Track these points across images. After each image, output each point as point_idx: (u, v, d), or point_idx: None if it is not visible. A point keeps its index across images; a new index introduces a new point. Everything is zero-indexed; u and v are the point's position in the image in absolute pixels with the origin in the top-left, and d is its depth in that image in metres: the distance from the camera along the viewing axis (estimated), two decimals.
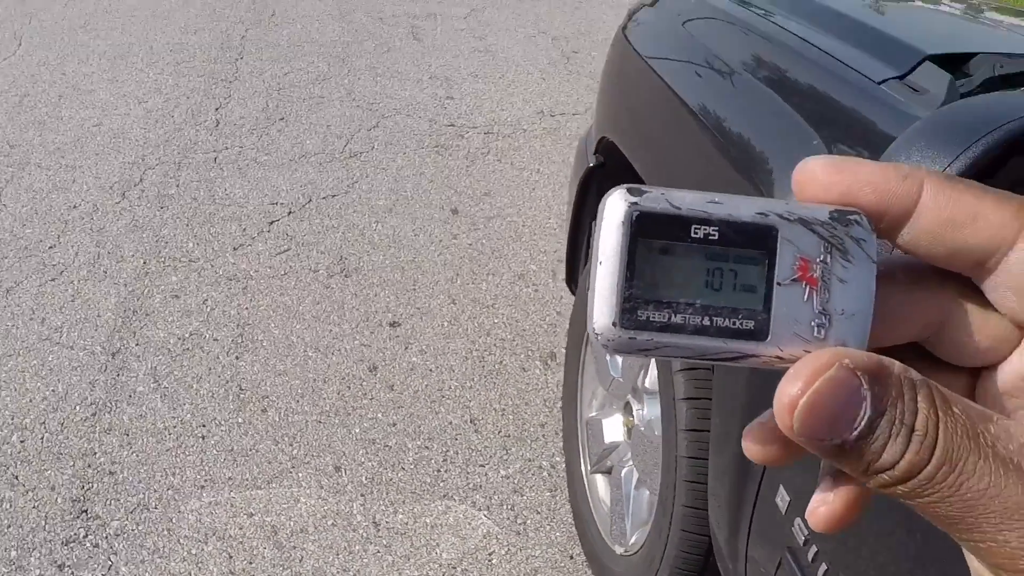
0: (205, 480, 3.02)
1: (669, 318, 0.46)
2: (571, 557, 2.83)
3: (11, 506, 2.90)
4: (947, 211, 0.44)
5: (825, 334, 0.46)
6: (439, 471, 3.09)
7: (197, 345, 3.54)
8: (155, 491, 2.97)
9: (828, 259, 0.46)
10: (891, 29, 1.92)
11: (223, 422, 3.23)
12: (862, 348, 0.45)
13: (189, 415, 3.24)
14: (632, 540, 2.48)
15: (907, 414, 0.41)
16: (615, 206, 0.46)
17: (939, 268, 0.47)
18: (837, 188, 0.46)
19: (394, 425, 3.25)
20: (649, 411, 2.38)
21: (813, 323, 0.46)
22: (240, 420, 3.24)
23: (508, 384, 3.42)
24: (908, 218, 0.45)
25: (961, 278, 0.47)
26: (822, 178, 0.46)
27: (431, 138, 5.19)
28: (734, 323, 0.46)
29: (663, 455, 2.20)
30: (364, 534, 2.87)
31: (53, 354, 3.46)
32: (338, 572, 2.76)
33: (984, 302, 0.47)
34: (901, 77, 1.61)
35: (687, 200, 0.46)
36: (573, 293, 3.05)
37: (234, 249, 4.11)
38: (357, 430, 3.22)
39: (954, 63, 1.58)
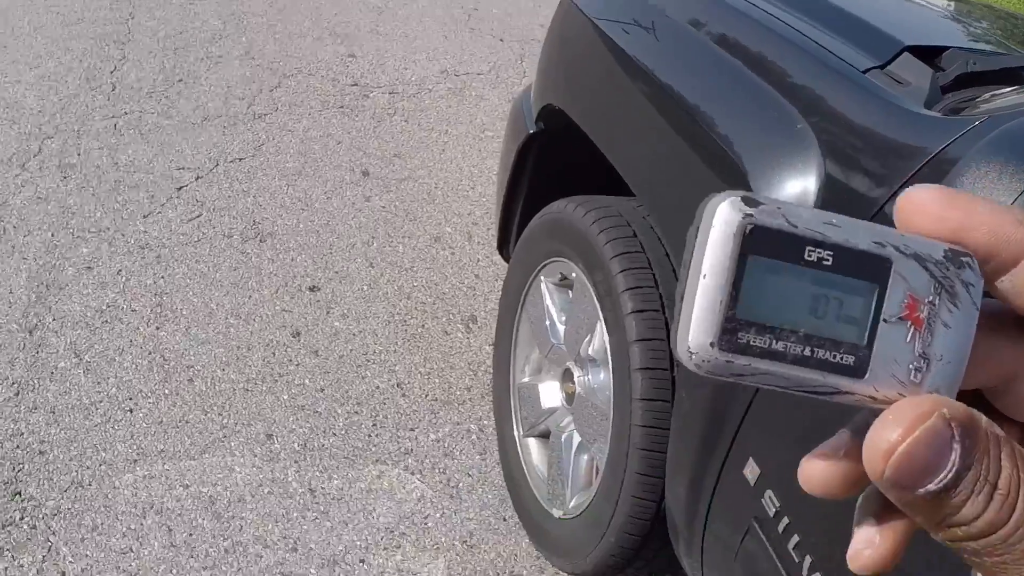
0: (137, 454, 3.01)
1: (770, 344, 0.44)
2: (504, 519, 2.90)
3: None
4: None
5: (921, 379, 0.45)
6: (370, 436, 3.13)
7: (116, 317, 3.51)
8: (88, 468, 2.95)
9: (936, 301, 0.45)
10: (866, 16, 1.95)
11: (150, 394, 3.22)
12: (952, 396, 0.45)
13: (115, 389, 3.22)
14: (572, 504, 2.55)
15: (991, 471, 0.41)
16: (727, 216, 0.43)
17: (1021, 319, 0.46)
18: (949, 224, 0.45)
19: (322, 391, 3.27)
20: (594, 378, 2.45)
21: (911, 366, 0.45)
22: (167, 391, 3.23)
23: (432, 348, 3.46)
24: (1014, 266, 0.44)
25: None
26: (934, 211, 0.45)
27: (335, 98, 5.17)
28: (834, 356, 0.44)
29: (614, 423, 2.26)
30: (301, 501, 2.90)
31: None
32: (279, 540, 2.79)
33: None
34: (882, 67, 1.66)
35: (804, 218, 0.44)
36: (506, 261, 3.09)
37: (144, 217, 4.06)
38: (285, 396, 3.24)
39: (929, 55, 1.64)
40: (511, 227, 2.96)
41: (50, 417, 3.10)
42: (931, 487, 0.41)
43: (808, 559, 1.53)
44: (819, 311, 0.44)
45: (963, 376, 0.45)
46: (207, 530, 2.80)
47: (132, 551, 2.73)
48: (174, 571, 2.70)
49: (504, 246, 3.08)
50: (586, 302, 2.41)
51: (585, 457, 2.55)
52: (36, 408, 3.13)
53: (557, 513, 2.60)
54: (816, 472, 0.46)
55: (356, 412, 3.20)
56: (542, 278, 2.68)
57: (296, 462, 3.02)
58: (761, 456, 1.64)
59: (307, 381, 3.31)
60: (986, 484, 0.41)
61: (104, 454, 3.00)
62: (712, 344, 0.43)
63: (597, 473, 2.49)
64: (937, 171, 1.38)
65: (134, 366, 3.31)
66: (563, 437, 2.61)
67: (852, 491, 0.46)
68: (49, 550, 2.72)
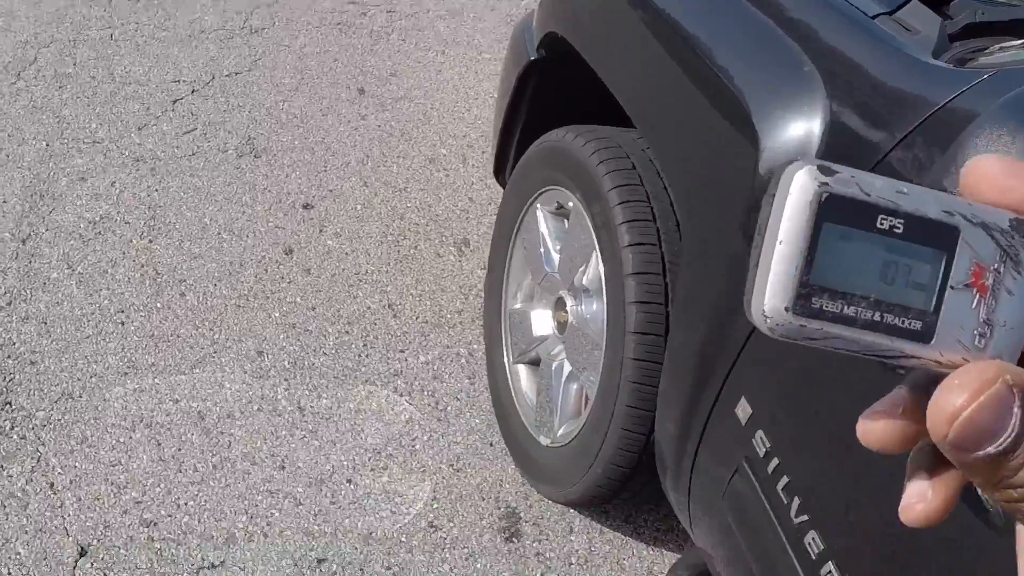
0: (128, 367, 3.02)
1: (842, 309, 0.45)
2: (491, 444, 2.92)
3: None
4: None
5: (985, 344, 0.47)
6: (360, 356, 3.14)
7: (109, 229, 3.50)
8: (78, 380, 2.97)
9: (1001, 268, 0.46)
10: None
11: (142, 307, 3.22)
12: (1013, 362, 0.46)
13: (107, 301, 3.22)
14: (560, 432, 2.57)
15: None
16: (803, 184, 0.45)
17: None
18: (1014, 195, 0.46)
19: (313, 309, 3.28)
20: (586, 308, 2.45)
21: (976, 331, 0.47)
22: (159, 305, 3.23)
23: (424, 270, 3.46)
24: None
25: None
26: (998, 181, 0.47)
27: (333, 15, 5.10)
28: (903, 321, 0.46)
29: (606, 355, 2.27)
30: (290, 419, 2.92)
31: None
32: (267, 457, 2.81)
33: None
34: (891, 12, 1.64)
35: (876, 187, 0.46)
36: (502, 186, 3.08)
37: (139, 129, 4.03)
38: (277, 314, 3.25)
39: (937, 3, 1.62)
40: (508, 153, 2.95)
41: (42, 328, 3.11)
42: (991, 450, 0.42)
43: (796, 501, 1.55)
44: (889, 277, 0.46)
45: (1023, 343, 0.47)
46: (196, 445, 2.82)
47: (121, 464, 2.75)
48: (162, 485, 2.72)
49: (500, 172, 3.07)
50: (582, 232, 2.41)
51: (575, 386, 2.57)
52: (28, 318, 3.13)
53: (545, 441, 2.62)
54: (876, 429, 0.47)
55: (347, 332, 3.21)
56: (538, 206, 2.67)
57: (286, 380, 3.03)
58: (754, 396, 1.65)
59: (299, 299, 3.31)
60: None
61: (95, 366, 3.01)
62: (787, 308, 0.45)
63: (586, 403, 2.50)
64: (942, 123, 1.37)
65: (126, 279, 3.31)
66: (553, 366, 2.62)
67: (909, 447, 0.48)
68: (38, 460, 2.74)
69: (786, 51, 1.71)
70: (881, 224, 0.45)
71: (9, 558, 2.53)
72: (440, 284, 3.41)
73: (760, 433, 1.62)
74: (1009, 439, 0.42)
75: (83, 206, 3.58)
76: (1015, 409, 0.43)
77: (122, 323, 3.15)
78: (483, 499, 2.78)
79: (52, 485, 2.69)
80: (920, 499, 0.48)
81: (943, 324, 0.46)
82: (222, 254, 3.45)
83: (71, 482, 2.70)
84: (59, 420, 2.85)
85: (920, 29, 1.58)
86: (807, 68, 1.63)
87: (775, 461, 1.59)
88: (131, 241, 3.45)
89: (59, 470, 2.73)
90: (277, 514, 2.69)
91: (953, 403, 0.43)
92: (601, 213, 2.27)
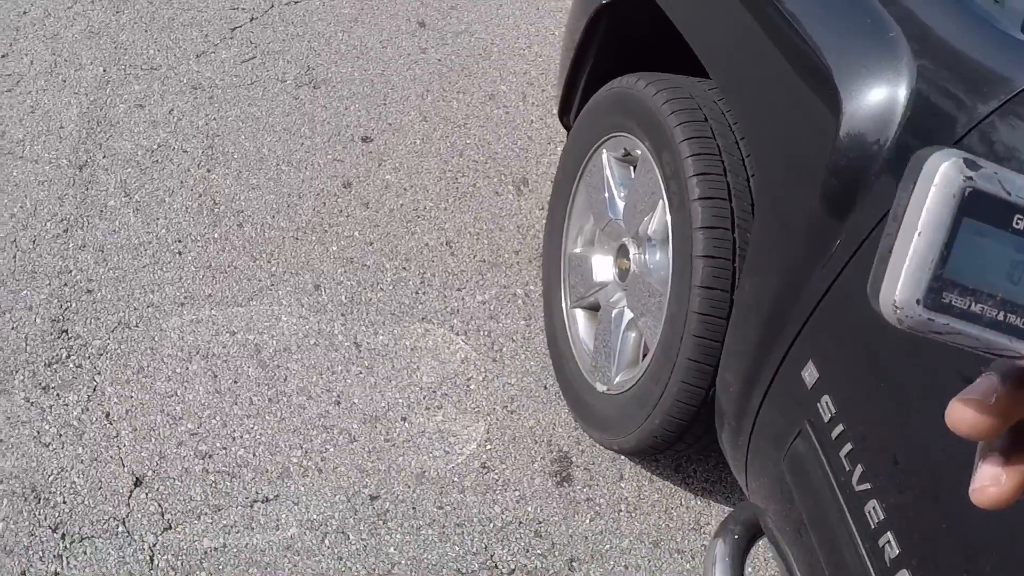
0: (185, 297, 3.03)
1: (969, 306, 0.45)
2: (545, 387, 2.91)
3: None
4: None
5: None
6: (417, 293, 3.13)
7: (166, 157, 3.50)
8: (135, 309, 2.98)
9: None
10: None
11: (199, 237, 3.22)
12: None
13: (164, 230, 3.23)
14: (617, 380, 2.55)
15: None
16: (948, 176, 0.45)
17: None
18: None
19: (371, 244, 3.27)
20: (650, 258, 2.42)
21: None
22: (216, 235, 3.23)
23: (482, 208, 3.44)
24: None
25: None
26: None
27: None
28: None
29: (668, 306, 2.25)
30: (346, 355, 2.93)
31: (17, 168, 3.39)
32: (322, 392, 2.82)
33: None
34: None
35: (1018, 185, 0.45)
36: (567, 129, 3.04)
37: (197, 56, 4.01)
38: (334, 248, 3.24)
39: None
40: (574, 96, 2.90)
41: (98, 256, 3.12)
42: None
43: (859, 468, 1.53)
44: (1015, 278, 0.45)
45: None
46: (252, 378, 2.84)
47: (177, 395, 2.77)
48: (218, 417, 2.74)
49: (566, 114, 3.02)
50: (650, 181, 2.37)
51: (633, 335, 2.55)
52: (85, 246, 3.14)
53: (600, 387, 2.61)
54: (968, 416, 0.47)
55: (404, 268, 3.20)
56: (604, 151, 2.64)
57: (343, 315, 3.04)
58: (822, 360, 1.62)
59: (356, 233, 3.30)
60: None
61: (152, 296, 3.02)
62: (918, 301, 0.45)
63: (645, 352, 2.49)
64: None
65: (184, 208, 3.31)
66: (613, 313, 2.60)
67: (995, 433, 0.48)
68: (94, 390, 2.76)
69: (871, 14, 1.65)
70: (1017, 224, 0.45)
71: (64, 487, 2.57)
72: (498, 223, 3.39)
73: (826, 398, 1.60)
74: None
75: (140, 133, 3.57)
76: None
77: (179, 253, 3.16)
78: (536, 442, 2.78)
79: (108, 415, 2.72)
80: (994, 482, 0.47)
81: None
82: (280, 185, 3.44)
83: (127, 412, 2.73)
84: (115, 350, 2.87)
85: (1009, 2, 1.53)
86: (892, 34, 1.58)
87: (840, 427, 1.57)
88: (189, 170, 3.45)
89: (115, 400, 2.75)
90: (332, 450, 2.70)
91: None
92: (671, 164, 2.23)
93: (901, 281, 0.45)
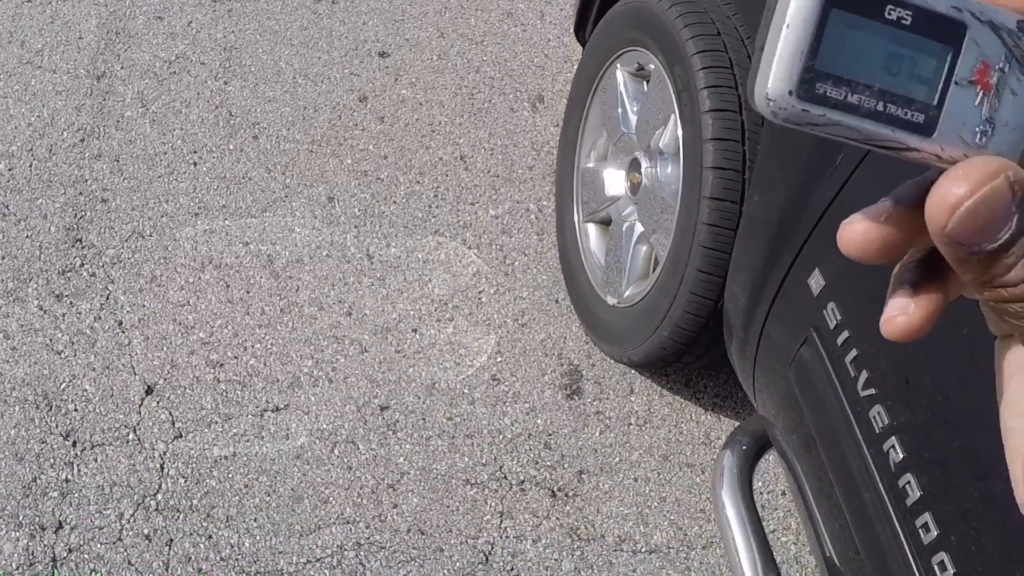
0: (199, 207, 3.03)
1: (845, 96, 0.45)
2: (556, 301, 2.91)
3: (3, 236, 2.91)
4: None
5: (986, 142, 0.46)
6: (430, 207, 3.12)
7: (184, 69, 3.48)
8: (149, 219, 2.98)
9: (1006, 68, 0.46)
10: None
11: (214, 148, 3.21)
12: (1015, 162, 0.46)
13: (179, 141, 3.22)
14: (627, 293, 2.54)
15: None
16: None
17: None
18: None
19: (385, 158, 3.25)
20: (661, 171, 2.40)
21: (978, 129, 0.46)
22: (231, 147, 3.23)
23: (497, 123, 3.41)
24: None
25: None
26: None
27: None
28: (905, 113, 0.46)
29: (678, 218, 2.24)
30: (358, 266, 2.93)
31: (36, 78, 3.38)
32: (334, 304, 2.83)
33: None
34: None
35: None
36: (582, 45, 3.00)
37: None
38: (349, 161, 3.23)
39: None
40: (590, 11, 2.86)
41: (114, 166, 3.12)
42: (987, 246, 0.43)
43: (864, 374, 1.52)
44: (894, 69, 0.45)
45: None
46: (264, 288, 2.84)
47: (189, 304, 2.79)
48: (230, 327, 2.75)
49: (581, 30, 2.98)
50: (662, 95, 2.35)
51: (644, 248, 2.54)
52: (100, 156, 3.14)
53: (611, 301, 2.60)
54: (857, 234, 0.47)
55: (418, 182, 3.19)
56: (618, 66, 2.61)
57: (356, 227, 3.03)
58: (828, 267, 1.61)
59: (371, 147, 3.28)
60: None
61: (166, 206, 3.02)
62: (790, 92, 0.44)
63: (655, 265, 2.48)
64: None
65: (200, 119, 3.30)
66: (624, 226, 2.59)
67: (886, 256, 0.48)
68: (107, 298, 2.78)
69: None
70: (889, 14, 0.45)
71: (76, 395, 2.59)
72: (512, 139, 3.36)
73: (832, 305, 1.59)
74: (1006, 236, 0.42)
75: (159, 45, 3.55)
76: (1014, 207, 0.43)
77: (194, 164, 3.16)
78: (546, 355, 2.78)
79: (120, 323, 2.73)
80: (902, 312, 0.48)
81: (945, 118, 0.46)
82: (296, 99, 3.42)
83: (139, 321, 2.74)
84: (129, 259, 2.88)
85: None
86: None
87: (845, 334, 1.56)
88: (206, 82, 3.43)
89: (127, 308, 2.77)
90: (342, 360, 2.72)
91: (956, 192, 0.43)
92: (683, 77, 2.21)
93: (772, 73, 0.44)
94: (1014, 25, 0.46)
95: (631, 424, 2.66)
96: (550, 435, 2.62)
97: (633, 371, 2.74)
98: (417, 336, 2.78)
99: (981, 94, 0.46)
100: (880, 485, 1.48)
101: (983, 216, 0.42)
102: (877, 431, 1.50)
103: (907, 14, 0.45)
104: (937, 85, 0.46)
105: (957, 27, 0.46)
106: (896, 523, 1.43)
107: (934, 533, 1.35)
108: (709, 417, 2.69)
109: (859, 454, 1.54)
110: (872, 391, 1.51)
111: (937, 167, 0.47)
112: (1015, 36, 0.46)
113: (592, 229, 2.80)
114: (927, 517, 1.36)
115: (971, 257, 0.43)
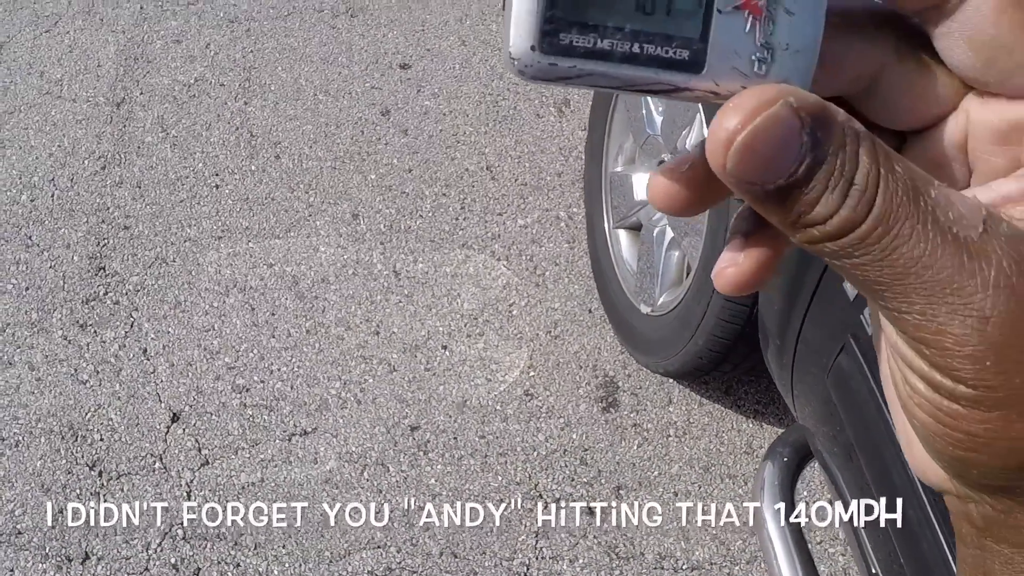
0: (222, 231, 2.98)
1: (595, 43, 0.41)
2: (590, 311, 2.83)
3: (27, 267, 2.88)
4: None
5: (766, 70, 0.42)
6: (457, 219, 3.05)
7: (203, 91, 3.44)
8: (172, 244, 2.94)
9: None
10: None
11: (236, 170, 3.17)
12: (806, 87, 0.41)
13: (201, 164, 3.18)
14: (661, 301, 2.47)
15: (847, 166, 0.38)
16: None
17: (879, 15, 0.43)
18: None
19: (410, 171, 3.19)
20: None
21: (754, 57, 0.42)
22: (253, 168, 3.18)
23: (523, 130, 3.34)
24: None
25: (903, 28, 0.43)
26: None
27: None
28: (667, 52, 0.41)
29: (709, 222, 2.16)
30: (385, 284, 2.87)
31: (56, 108, 3.35)
32: (361, 323, 2.77)
33: (925, 58, 0.43)
34: None
35: None
36: None
37: None
38: (373, 176, 3.17)
39: None
40: None
41: (136, 192, 3.08)
42: (780, 182, 0.38)
43: None
44: (647, 6, 0.41)
45: (814, 66, 0.42)
46: (290, 310, 2.79)
47: (214, 329, 2.74)
48: (255, 350, 2.70)
49: None
50: None
51: (676, 253, 2.46)
52: (122, 183, 3.10)
53: (645, 309, 2.53)
54: (660, 185, 0.43)
55: (444, 194, 3.13)
56: None
57: (382, 244, 2.97)
58: None
59: (395, 161, 3.23)
60: (841, 179, 0.38)
61: (189, 230, 2.98)
62: (533, 48, 0.40)
63: (688, 271, 2.40)
64: None
65: (221, 141, 3.26)
66: (655, 231, 2.51)
67: (697, 207, 0.44)
68: (132, 326, 2.73)
69: None
70: None
71: (102, 424, 2.55)
72: (540, 145, 3.30)
73: (868, 311, 1.51)
74: (801, 168, 0.38)
75: (177, 68, 3.51)
76: (803, 135, 0.38)
77: (216, 186, 3.11)
78: (580, 367, 2.70)
79: (145, 351, 2.69)
80: (731, 263, 0.44)
81: (714, 51, 0.41)
82: (318, 116, 3.37)
83: (164, 347, 2.69)
84: (152, 285, 2.83)
85: None
86: None
87: None
88: (226, 103, 3.39)
89: (152, 335, 2.72)
90: (371, 380, 2.65)
91: (726, 127, 0.38)
92: None
93: (512, 31, 0.40)
94: None
95: (670, 436, 2.57)
96: (586, 450, 2.54)
97: (671, 381, 2.65)
98: (447, 353, 2.72)
99: (751, 18, 0.42)
100: (924, 500, 1.40)
101: (763, 150, 0.38)
102: None
103: None
104: (698, 17, 0.41)
105: None
106: (942, 540, 1.35)
107: None
108: (751, 425, 2.60)
109: (903, 468, 1.46)
110: None
111: (718, 104, 0.42)
112: None
113: (623, 235, 2.72)
114: None
115: (767, 196, 0.39)
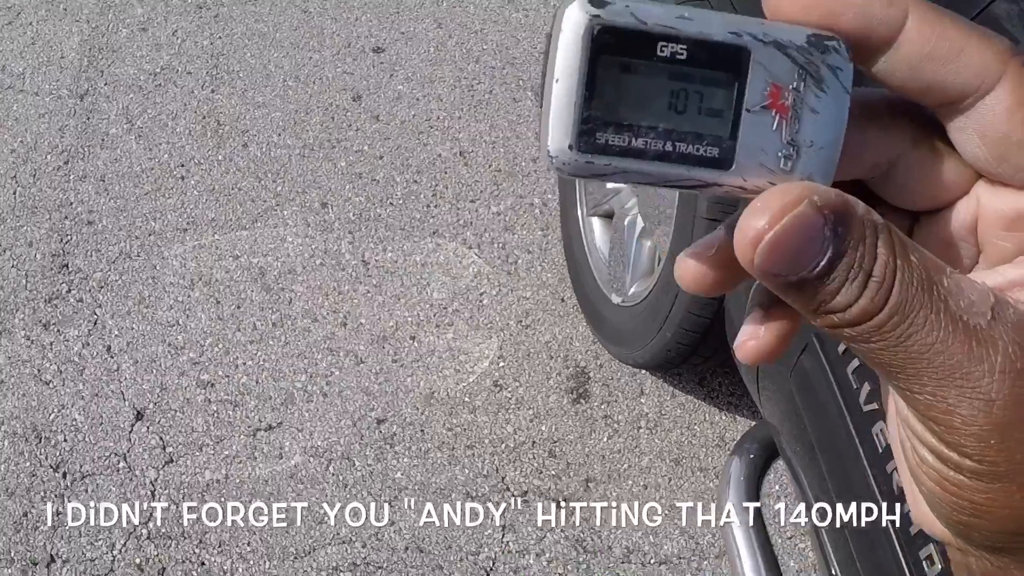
0: (187, 223, 2.93)
1: (629, 142, 0.43)
2: (563, 300, 2.78)
3: None
4: (931, 44, 0.42)
5: (792, 166, 0.44)
6: (428, 207, 3.00)
7: (170, 80, 3.38)
8: (136, 238, 2.89)
9: (801, 87, 0.44)
10: None
11: (203, 160, 3.11)
12: (828, 183, 0.44)
13: (167, 155, 3.12)
14: (632, 291, 2.42)
15: (866, 258, 0.41)
16: (574, 18, 0.42)
17: (896, 105, 0.45)
18: (817, 9, 0.43)
19: (381, 158, 3.14)
20: None
21: (780, 154, 0.44)
22: (220, 157, 3.12)
23: (498, 115, 3.29)
24: (888, 47, 0.43)
25: (919, 119, 0.45)
26: None
27: None
28: (697, 149, 0.44)
29: (678, 214, 2.12)
30: (353, 273, 2.82)
31: (17, 103, 3.28)
32: (328, 314, 2.73)
33: (939, 145, 0.45)
34: None
35: (654, 14, 0.43)
36: None
37: None
38: (343, 164, 3.12)
39: None
40: None
41: (99, 186, 3.03)
42: (805, 275, 0.41)
43: (867, 387, 1.41)
44: (679, 106, 0.44)
45: (837, 162, 0.45)
46: (256, 302, 2.74)
47: (178, 324, 2.69)
48: (220, 345, 2.65)
49: None
50: None
51: (648, 243, 2.41)
52: (85, 177, 3.05)
53: (616, 299, 2.48)
54: (690, 268, 0.46)
55: (415, 181, 3.07)
56: None
57: (350, 232, 2.92)
58: None
59: (366, 147, 3.17)
60: (860, 271, 0.41)
61: (153, 223, 2.93)
62: (570, 146, 0.43)
63: (659, 261, 2.35)
64: None
65: (187, 131, 3.20)
66: (626, 220, 2.47)
67: (724, 288, 0.47)
68: (95, 324, 2.69)
69: None
70: (662, 51, 0.43)
71: (65, 425, 2.50)
72: (515, 131, 3.24)
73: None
74: (823, 263, 0.41)
75: (143, 57, 3.45)
76: (826, 231, 0.40)
77: (182, 178, 3.06)
78: (552, 358, 2.66)
79: (109, 348, 2.64)
80: (752, 336, 0.47)
81: (742, 149, 0.44)
82: (287, 102, 3.31)
83: (128, 344, 2.65)
84: (116, 281, 2.78)
85: None
86: None
87: None
88: (193, 92, 3.33)
89: (115, 333, 2.67)
90: (337, 373, 2.61)
91: (755, 226, 0.41)
92: None
93: (551, 130, 0.42)
94: (803, 41, 0.44)
95: (641, 428, 2.53)
96: (555, 442, 2.50)
97: (643, 371, 2.61)
98: (415, 344, 2.67)
99: (778, 117, 0.44)
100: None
101: (790, 247, 0.40)
102: (880, 450, 1.38)
103: (682, 48, 0.43)
104: (728, 116, 0.44)
105: (739, 53, 0.43)
106: (900, 552, 1.32)
107: (939, 567, 1.23)
108: (724, 417, 2.55)
109: (862, 474, 1.42)
110: (875, 406, 1.40)
111: (746, 198, 0.44)
112: (806, 52, 0.44)
113: (597, 223, 2.68)
114: (931, 549, 1.25)
115: (793, 288, 0.41)
